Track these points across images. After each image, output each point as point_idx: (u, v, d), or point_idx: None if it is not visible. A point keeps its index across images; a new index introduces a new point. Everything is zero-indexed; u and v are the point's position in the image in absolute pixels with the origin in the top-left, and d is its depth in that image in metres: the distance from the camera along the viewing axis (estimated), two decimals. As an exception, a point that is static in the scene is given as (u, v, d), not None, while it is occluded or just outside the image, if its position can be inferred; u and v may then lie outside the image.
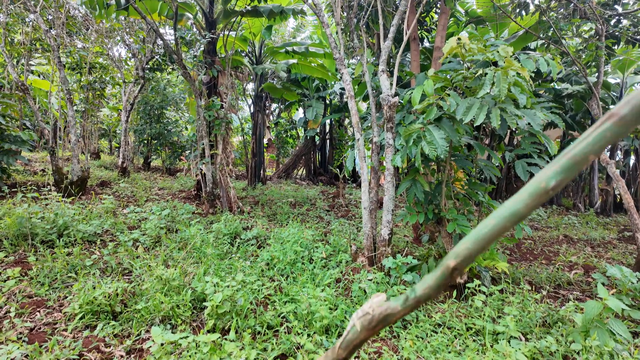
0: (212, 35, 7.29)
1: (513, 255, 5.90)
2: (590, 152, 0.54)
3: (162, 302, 2.81)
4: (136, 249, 4.49)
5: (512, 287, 3.97)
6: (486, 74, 3.14)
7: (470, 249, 0.63)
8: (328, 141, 18.12)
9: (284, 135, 19.07)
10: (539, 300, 3.77)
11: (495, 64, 4.10)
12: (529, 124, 3.44)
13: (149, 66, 11.41)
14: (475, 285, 3.49)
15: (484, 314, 3.32)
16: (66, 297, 3.10)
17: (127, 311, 2.87)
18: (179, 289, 3.08)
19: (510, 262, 5.37)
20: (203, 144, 7.33)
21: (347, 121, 18.66)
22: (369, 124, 5.00)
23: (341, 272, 4.05)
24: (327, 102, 17.23)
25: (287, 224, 6.44)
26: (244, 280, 3.19)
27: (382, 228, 4.16)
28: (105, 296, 2.88)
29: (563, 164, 0.55)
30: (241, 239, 5.13)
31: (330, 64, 12.15)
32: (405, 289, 3.38)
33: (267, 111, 17.52)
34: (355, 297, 3.32)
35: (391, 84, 4.20)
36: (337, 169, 15.71)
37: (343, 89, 14.98)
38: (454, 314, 3.35)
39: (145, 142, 14.09)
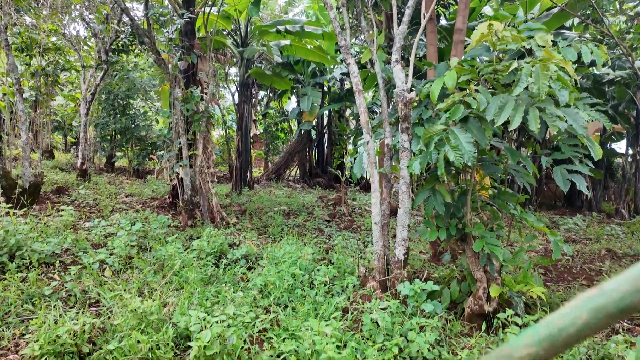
0: (190, 15, 7.27)
1: (548, 275, 5.95)
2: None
3: (138, 342, 2.80)
4: (103, 272, 4.47)
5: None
6: (522, 67, 3.16)
7: (538, 356, 0.51)
8: (326, 136, 18.15)
9: (274, 129, 19.08)
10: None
11: (529, 51, 4.13)
12: (570, 125, 3.47)
13: (113, 47, 11.36)
14: (508, 316, 3.52)
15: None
16: (23, 335, 3.08)
17: (97, 351, 2.86)
18: (158, 325, 3.07)
19: (545, 284, 5.41)
20: (180, 144, 7.31)
21: (348, 112, 18.70)
22: (379, 122, 5.01)
23: (348, 299, 4.06)
24: (325, 89, 17.25)
25: (281, 239, 6.44)
26: (235, 313, 3.18)
27: (397, 247, 4.18)
28: (70, 334, 2.86)
29: None
30: (227, 258, 5.13)
31: (329, 46, 12.18)
32: (425, 321, 3.40)
33: (254, 101, 17.52)
34: (366, 331, 3.32)
35: (406, 76, 4.22)
36: (338, 170, 15.74)
37: (344, 74, 15.01)
38: (483, 351, 3.37)
39: (109, 137, 14.01)
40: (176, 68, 7.35)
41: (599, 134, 14.51)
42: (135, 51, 13.75)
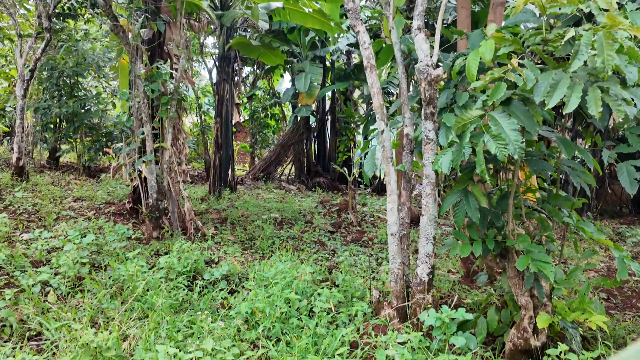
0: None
1: (611, 301, 5.97)
2: None
3: (92, 385, 2.81)
4: (46, 296, 4.49)
5: (614, 352, 4.01)
6: (581, 36, 3.18)
7: None
8: (329, 124, 18.20)
9: (262, 116, 19.10)
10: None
11: (588, 17, 4.13)
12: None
13: (57, 12, 11.39)
14: (560, 353, 3.53)
15: (575, 396, 3.36)
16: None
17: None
18: (116, 364, 3.08)
19: (608, 312, 5.43)
20: (143, 134, 7.32)
21: (357, 93, 18.74)
22: (396, 108, 5.03)
23: (357, 331, 4.08)
24: (328, 65, 17.28)
25: (271, 255, 6.47)
26: (214, 348, 3.20)
27: (419, 265, 4.19)
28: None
29: None
30: (204, 279, 5.15)
31: (333, 10, 12.18)
32: (456, 359, 3.41)
33: (236, 79, 17.57)
34: (381, 372, 3.34)
35: (431, 48, 4.23)
36: (344, 168, 15.74)
37: (352, 45, 15.03)
38: (530, 397, 3.38)
39: (52, 126, 14.03)
40: (138, 37, 7.37)
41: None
42: (85, 16, 13.80)
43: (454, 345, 3.74)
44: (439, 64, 4.32)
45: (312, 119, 17.85)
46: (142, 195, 7.59)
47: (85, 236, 5.63)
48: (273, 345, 3.69)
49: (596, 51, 3.10)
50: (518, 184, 4.18)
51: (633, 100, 3.37)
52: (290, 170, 18.67)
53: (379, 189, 16.51)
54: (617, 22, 3.25)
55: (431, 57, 4.09)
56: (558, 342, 3.84)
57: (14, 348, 3.39)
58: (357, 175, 14.60)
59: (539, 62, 3.83)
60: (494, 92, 3.47)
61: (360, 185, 15.86)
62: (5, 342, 3.61)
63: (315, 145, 18.29)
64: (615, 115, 3.19)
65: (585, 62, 3.29)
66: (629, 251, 8.69)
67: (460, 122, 3.45)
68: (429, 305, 4.13)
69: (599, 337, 4.36)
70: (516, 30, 4.06)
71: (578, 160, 6.59)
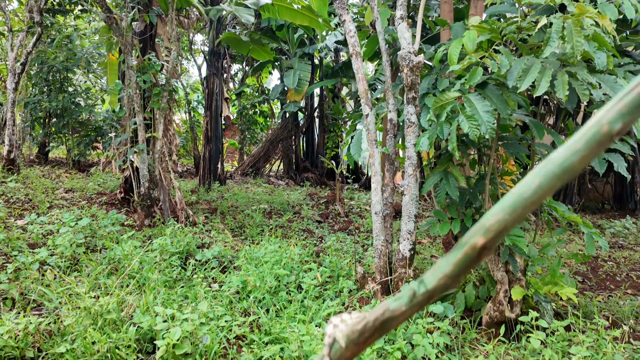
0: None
1: (587, 283, 6.25)
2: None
3: (94, 343, 3.01)
4: (43, 276, 4.65)
5: (584, 323, 4.27)
6: (551, 24, 3.42)
7: (506, 221, 0.71)
8: (317, 121, 18.38)
9: (251, 112, 19.26)
10: (619, 338, 4.08)
11: (562, 8, 4.40)
12: (605, 94, 3.74)
13: (47, 7, 11.49)
14: (531, 319, 3.77)
15: (544, 359, 3.60)
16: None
17: (44, 357, 3.06)
18: (117, 325, 3.28)
19: (582, 292, 5.70)
20: (135, 124, 7.49)
21: (345, 90, 18.97)
22: (381, 94, 5.27)
23: (343, 305, 4.30)
24: (316, 62, 17.48)
25: (260, 241, 6.65)
26: (208, 313, 3.40)
27: (401, 242, 4.42)
28: (12, 337, 3.06)
29: (630, 101, 0.63)
30: (197, 260, 5.33)
31: (321, 6, 12.39)
32: (435, 325, 3.65)
33: (225, 75, 17.71)
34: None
35: (414, 37, 4.47)
36: (332, 162, 15.97)
37: (340, 42, 15.25)
38: (502, 358, 3.63)
39: (42, 121, 14.10)
40: (130, 29, 7.53)
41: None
42: (74, 12, 13.89)
43: (434, 314, 3.98)
44: (421, 51, 4.56)
45: (300, 116, 18.03)
46: (134, 184, 7.74)
47: (80, 219, 5.79)
48: (264, 313, 3.90)
49: (566, 38, 3.33)
50: (494, 164, 4.42)
51: (600, 84, 3.63)
52: (278, 166, 18.85)
53: (366, 185, 16.73)
54: (586, 11, 3.50)
55: (413, 44, 4.33)
56: (531, 313, 4.08)
57: (17, 315, 3.56)
58: (345, 171, 14.82)
59: (514, 49, 4.08)
60: (470, 76, 3.71)
61: (348, 181, 16.07)
62: (9, 311, 3.79)
63: (304, 142, 18.46)
64: (582, 97, 3.44)
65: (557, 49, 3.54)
66: (608, 241, 9.00)
67: (439, 103, 3.68)
68: (411, 279, 4.36)
69: (570, 310, 4.62)
70: (494, 22, 4.30)
71: (552, 143, 6.86)
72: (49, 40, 13.44)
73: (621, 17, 4.16)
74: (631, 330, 4.61)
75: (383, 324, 0.75)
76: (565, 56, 3.58)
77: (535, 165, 4.21)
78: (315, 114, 18.32)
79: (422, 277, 0.73)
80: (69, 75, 14.08)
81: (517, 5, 4.28)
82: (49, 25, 12.99)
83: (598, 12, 3.71)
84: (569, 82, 3.52)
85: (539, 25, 3.70)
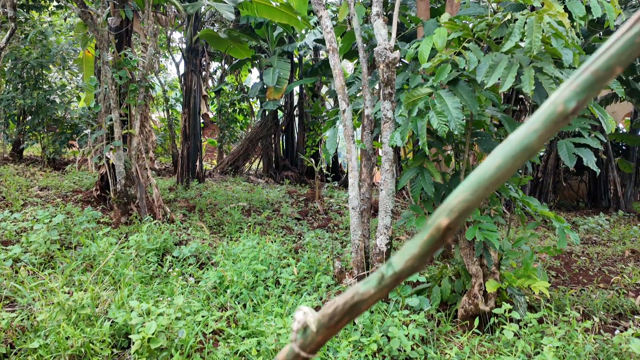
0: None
1: (560, 278, 6.40)
2: (617, 64, 0.65)
3: (68, 338, 3.00)
4: (16, 273, 4.61)
5: (556, 316, 4.38)
6: (516, 19, 3.51)
7: (469, 201, 0.76)
8: (297, 119, 18.41)
9: (230, 111, 19.20)
10: (590, 329, 4.20)
11: (532, 7, 4.50)
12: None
13: (21, 2, 11.31)
14: (505, 311, 3.87)
15: (517, 350, 3.70)
16: None
17: (17, 353, 3.04)
18: (91, 320, 3.27)
19: (556, 286, 5.84)
20: (111, 120, 7.43)
21: (325, 89, 19.03)
22: (357, 90, 5.33)
23: (321, 299, 4.34)
24: (296, 60, 17.51)
25: (239, 238, 6.67)
26: (184, 308, 3.42)
27: (378, 236, 4.48)
28: (-17, 332, 3.04)
29: (583, 80, 0.66)
30: (174, 257, 5.33)
31: (301, 5, 12.42)
32: (411, 318, 3.72)
33: (204, 73, 17.62)
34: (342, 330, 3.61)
35: (389, 34, 4.53)
36: (312, 160, 16.00)
37: (319, 40, 15.30)
38: (476, 350, 3.71)
39: (16, 118, 13.88)
40: (105, 24, 7.48)
41: (629, 118, 15.27)
42: (49, 9, 13.69)
43: (410, 307, 4.05)
44: (397, 48, 4.62)
45: (280, 114, 18.03)
46: (110, 181, 7.68)
47: (55, 217, 5.74)
48: (241, 309, 3.93)
49: (527, 33, 3.43)
50: (468, 159, 4.50)
51: (567, 79, 3.73)
52: (258, 164, 18.82)
53: (346, 183, 16.79)
54: (551, 7, 3.60)
55: (389, 41, 4.39)
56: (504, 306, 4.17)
57: (-11, 312, 3.53)
58: (324, 169, 14.88)
59: (485, 46, 4.16)
60: (439, 73, 3.78)
61: (327, 178, 16.12)
62: (-20, 308, 3.75)
63: (283, 140, 18.46)
64: (548, 92, 3.53)
65: (521, 44, 3.64)
66: (581, 237, 9.20)
67: (410, 99, 3.74)
68: (387, 273, 4.42)
69: (543, 303, 4.73)
70: (467, 18, 4.39)
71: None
72: (23, 36, 13.24)
73: (596, 19, 4.30)
74: (602, 322, 4.75)
75: (352, 307, 0.79)
76: (526, 49, 3.67)
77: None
78: (295, 113, 18.34)
79: (390, 260, 0.75)
80: (43, 72, 13.88)
81: (488, 4, 4.38)
82: (23, 20, 12.79)
83: (564, 9, 3.82)
84: (535, 77, 3.62)
85: (503, 20, 3.80)
